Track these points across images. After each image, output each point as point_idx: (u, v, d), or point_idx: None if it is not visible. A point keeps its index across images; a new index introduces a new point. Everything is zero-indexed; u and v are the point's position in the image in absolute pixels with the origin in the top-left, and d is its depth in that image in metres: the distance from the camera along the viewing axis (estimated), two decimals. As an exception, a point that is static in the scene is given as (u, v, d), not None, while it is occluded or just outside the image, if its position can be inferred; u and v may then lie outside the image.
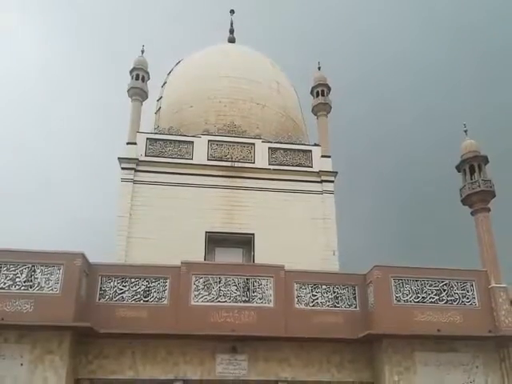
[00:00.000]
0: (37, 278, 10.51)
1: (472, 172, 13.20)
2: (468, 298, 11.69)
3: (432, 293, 11.63)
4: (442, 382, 10.96)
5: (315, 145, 17.37)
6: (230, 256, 14.96)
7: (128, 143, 16.19)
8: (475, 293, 11.73)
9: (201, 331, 10.87)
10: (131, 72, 17.57)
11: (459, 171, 13.51)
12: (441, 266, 12.19)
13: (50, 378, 9.87)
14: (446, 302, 11.58)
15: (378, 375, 11.26)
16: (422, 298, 11.56)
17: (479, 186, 12.72)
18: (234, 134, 16.87)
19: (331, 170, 16.63)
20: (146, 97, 17.69)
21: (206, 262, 13.97)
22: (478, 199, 12.70)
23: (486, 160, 13.29)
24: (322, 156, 16.80)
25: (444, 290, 11.69)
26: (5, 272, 10.49)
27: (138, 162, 15.86)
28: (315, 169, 16.57)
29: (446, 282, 11.78)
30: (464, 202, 13.08)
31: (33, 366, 9.93)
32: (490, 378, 11.13)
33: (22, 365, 9.94)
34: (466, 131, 13.99)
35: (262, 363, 11.20)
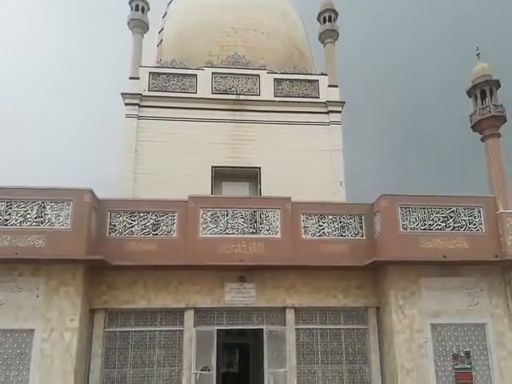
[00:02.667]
0: (47, 214, 10.67)
1: (483, 97, 12.79)
2: (475, 225, 11.67)
3: (439, 220, 11.62)
4: (446, 305, 11.22)
5: (322, 74, 16.86)
6: (236, 190, 15.03)
7: (131, 78, 15.88)
8: (482, 219, 11.69)
9: (210, 262, 11.11)
10: (130, 3, 16.94)
11: (470, 96, 13.13)
12: (448, 193, 12.12)
13: (65, 308, 10.26)
14: (452, 229, 11.59)
15: (383, 300, 11.53)
16: (429, 225, 11.57)
17: (490, 112, 12.40)
18: (238, 66, 16.38)
19: (338, 100, 16.25)
20: (147, 29, 17.18)
21: (213, 195, 14.07)
22: (489, 125, 12.41)
23: (497, 84, 12.83)
24: (329, 86, 16.36)
25: (451, 217, 11.67)
26: (15, 209, 10.65)
27: (141, 97, 15.65)
28: (322, 99, 16.20)
29: (454, 209, 11.72)
30: (474, 127, 12.80)
31: (49, 298, 10.31)
32: (493, 300, 11.35)
33: (38, 296, 10.32)
34: (478, 54, 13.42)
35: (269, 291, 11.52)
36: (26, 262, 10.33)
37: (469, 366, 11.00)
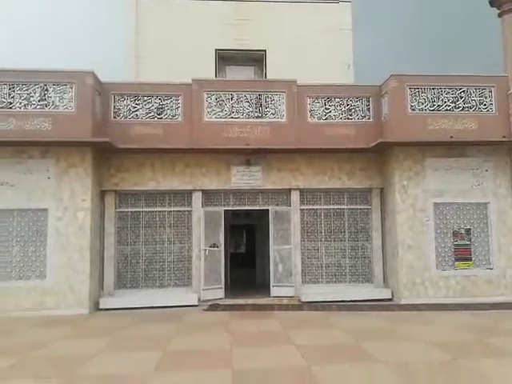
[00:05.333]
0: (50, 97, 10.61)
1: (506, -34, 11.78)
2: (485, 105, 11.40)
3: (448, 100, 11.36)
4: (450, 185, 11.33)
5: None
6: (241, 74, 14.64)
7: (129, -45, 14.91)
8: (493, 99, 11.39)
9: (215, 146, 11.16)
10: None
11: (492, -34, 12.09)
12: (460, 73, 11.68)
13: (76, 189, 10.60)
14: (462, 110, 11.36)
15: (387, 181, 11.68)
16: (438, 106, 11.33)
17: (511, -18, 11.47)
18: None
19: (350, -24, 15.21)
20: None
21: (217, 78, 13.77)
22: (509, -3, 11.57)
23: (523, -50, 11.73)
24: (340, -41, 15.23)
25: (461, 98, 11.38)
26: (19, 92, 10.59)
27: (140, -24, 14.80)
28: (332, -25, 15.17)
29: (464, 89, 11.40)
30: (492, 2, 11.97)
31: (59, 179, 10.62)
32: (498, 179, 11.42)
33: (49, 178, 10.63)
34: None
35: (275, 173, 11.69)
36: (34, 144, 10.48)
37: (468, 243, 11.37)
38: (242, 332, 8.28)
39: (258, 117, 11.49)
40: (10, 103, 10.52)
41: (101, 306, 10.63)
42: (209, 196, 11.74)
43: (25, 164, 10.60)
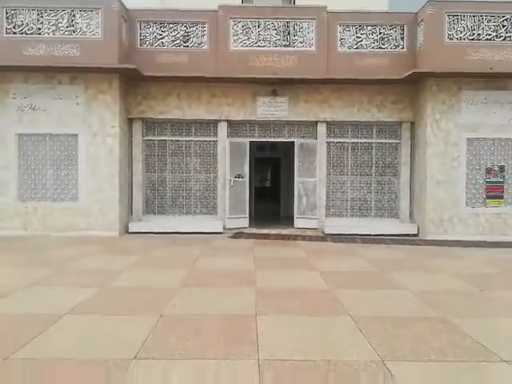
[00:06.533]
0: (78, 23, 10.49)
1: None
2: (529, 33, 10.70)
3: (490, 29, 10.68)
4: (486, 120, 10.88)
5: None
6: (268, 1, 14.05)
7: None
8: (539, 26, 10.68)
9: (241, 75, 10.92)
10: None
11: None
12: (505, -2, 10.93)
13: (105, 115, 10.69)
14: (503, 39, 10.68)
15: (419, 114, 11.31)
16: (478, 34, 10.69)
17: None
18: None
19: None
20: None
21: (243, 5, 13.27)
22: None
23: None
24: None
25: (503, 26, 10.68)
26: (47, 18, 10.50)
27: None
28: None
29: (507, 16, 10.66)
30: None
31: (88, 105, 10.71)
32: (538, 121, 10.92)
33: (77, 104, 10.73)
34: None
35: (302, 105, 11.46)
36: (64, 70, 10.50)
37: (501, 180, 11.05)
38: (265, 257, 8.45)
39: (285, 45, 11.14)
40: (39, 29, 10.48)
41: (130, 230, 10.98)
42: (234, 127, 11.67)
43: (55, 89, 10.70)
